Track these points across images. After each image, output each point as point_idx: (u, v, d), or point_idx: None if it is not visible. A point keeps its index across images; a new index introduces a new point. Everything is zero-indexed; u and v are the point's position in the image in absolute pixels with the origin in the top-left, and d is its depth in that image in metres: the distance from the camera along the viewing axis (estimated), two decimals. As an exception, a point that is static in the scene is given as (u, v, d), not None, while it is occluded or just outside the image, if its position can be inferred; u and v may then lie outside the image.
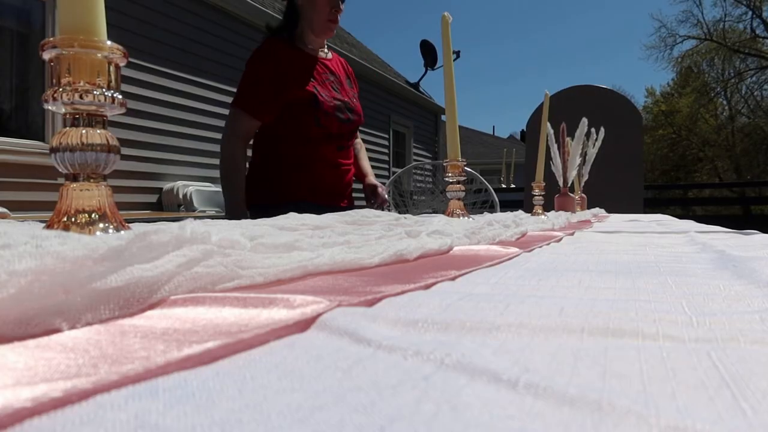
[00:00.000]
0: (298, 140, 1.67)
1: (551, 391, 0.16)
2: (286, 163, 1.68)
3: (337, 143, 1.72)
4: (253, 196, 1.69)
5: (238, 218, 1.81)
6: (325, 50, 1.81)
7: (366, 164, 1.93)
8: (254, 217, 1.85)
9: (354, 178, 1.88)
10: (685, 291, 0.37)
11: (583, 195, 2.91)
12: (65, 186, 0.40)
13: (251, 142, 1.75)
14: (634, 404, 0.15)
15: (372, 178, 1.89)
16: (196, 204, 4.63)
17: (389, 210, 1.97)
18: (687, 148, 21.31)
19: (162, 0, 4.65)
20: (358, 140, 1.95)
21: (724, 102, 20.95)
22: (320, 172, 1.70)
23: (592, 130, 2.66)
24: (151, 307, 0.27)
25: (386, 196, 1.85)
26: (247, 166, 1.75)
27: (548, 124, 1.95)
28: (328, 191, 1.74)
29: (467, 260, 0.54)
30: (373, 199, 1.83)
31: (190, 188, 4.68)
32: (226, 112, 1.83)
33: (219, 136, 1.80)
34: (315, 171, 1.69)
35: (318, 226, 0.58)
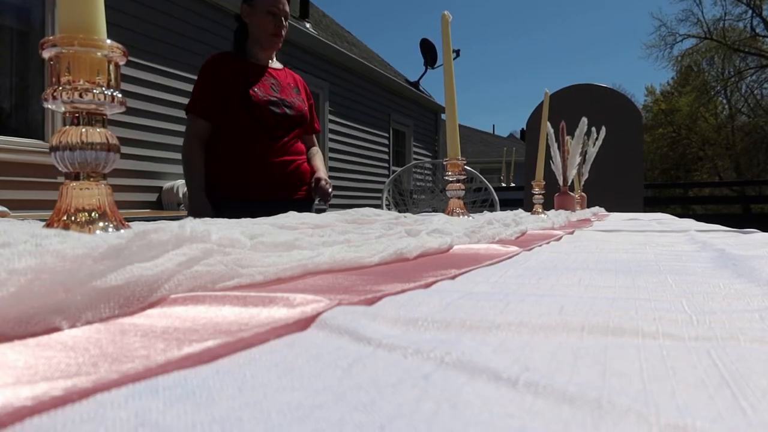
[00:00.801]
0: (233, 134, 1.85)
1: (551, 389, 0.16)
2: (223, 154, 1.86)
3: (272, 134, 1.88)
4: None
5: (201, 211, 1.89)
6: (276, 64, 2.01)
7: (318, 163, 2.07)
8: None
9: (311, 173, 2.03)
10: (685, 289, 0.37)
11: (583, 194, 2.91)
12: (65, 185, 0.40)
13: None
14: (634, 403, 0.15)
15: (320, 173, 2.02)
16: (196, 203, 4.62)
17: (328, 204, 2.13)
18: (687, 146, 21.30)
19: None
20: (315, 148, 2.13)
21: (724, 101, 20.95)
22: (252, 162, 1.85)
23: (592, 128, 2.66)
24: (151, 305, 0.27)
25: (329, 189, 1.98)
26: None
27: (548, 122, 1.95)
28: (265, 182, 1.87)
29: (467, 259, 0.54)
30: (314, 191, 1.97)
31: (190, 187, 4.67)
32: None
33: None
34: (247, 162, 1.85)
35: (318, 225, 0.58)
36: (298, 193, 1.95)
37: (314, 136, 2.11)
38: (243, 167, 1.84)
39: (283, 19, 1.88)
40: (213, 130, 1.85)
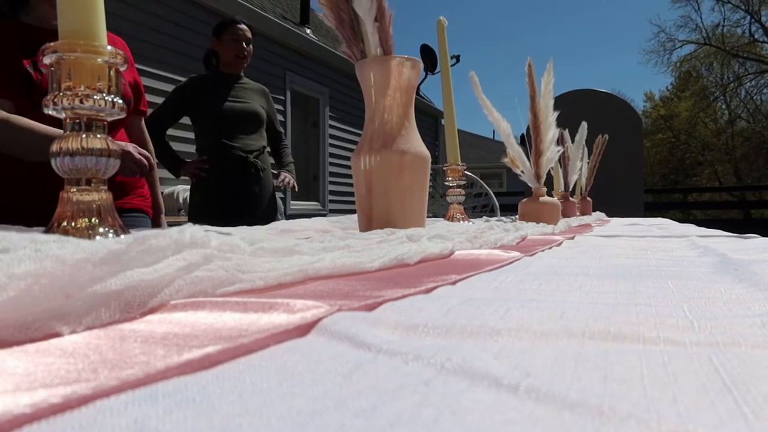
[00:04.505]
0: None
1: (552, 395, 0.16)
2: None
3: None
4: None
5: None
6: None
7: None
8: None
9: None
10: (686, 295, 0.37)
11: (589, 198, 2.91)
12: (65, 190, 0.40)
13: None
14: (636, 409, 0.15)
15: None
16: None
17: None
18: (687, 152, 21.32)
19: (159, 3, 4.65)
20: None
21: (724, 106, 20.98)
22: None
23: (597, 137, 2.66)
24: (151, 311, 0.27)
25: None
26: None
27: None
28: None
29: (468, 264, 0.54)
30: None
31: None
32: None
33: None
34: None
35: (319, 231, 0.58)
36: None
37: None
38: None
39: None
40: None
